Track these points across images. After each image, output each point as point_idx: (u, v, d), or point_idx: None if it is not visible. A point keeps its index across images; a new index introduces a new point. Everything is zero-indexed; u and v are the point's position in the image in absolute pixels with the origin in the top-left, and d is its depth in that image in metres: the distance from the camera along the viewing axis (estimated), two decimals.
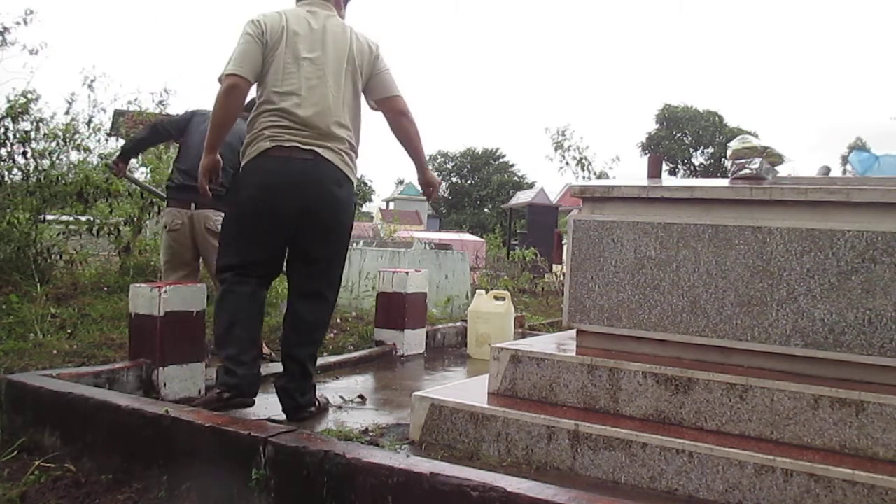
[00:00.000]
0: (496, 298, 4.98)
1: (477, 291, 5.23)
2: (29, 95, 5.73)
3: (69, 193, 5.74)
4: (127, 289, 3.61)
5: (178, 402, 2.84)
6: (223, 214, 3.68)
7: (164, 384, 3.14)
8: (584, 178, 10.37)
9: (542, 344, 3.00)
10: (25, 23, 5.75)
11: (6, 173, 5.75)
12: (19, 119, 5.68)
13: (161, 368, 3.14)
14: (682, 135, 40.56)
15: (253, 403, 2.86)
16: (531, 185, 38.36)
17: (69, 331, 4.20)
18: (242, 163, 2.87)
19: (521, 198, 21.54)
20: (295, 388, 2.89)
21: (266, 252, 2.86)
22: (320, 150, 2.76)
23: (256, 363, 2.88)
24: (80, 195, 5.73)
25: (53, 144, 5.95)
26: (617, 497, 2.06)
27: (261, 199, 2.77)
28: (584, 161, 10.47)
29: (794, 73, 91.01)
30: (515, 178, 49.18)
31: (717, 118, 40.19)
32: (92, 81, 6.17)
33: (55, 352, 3.67)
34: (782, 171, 3.08)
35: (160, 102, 6.68)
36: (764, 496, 2.09)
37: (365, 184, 39.23)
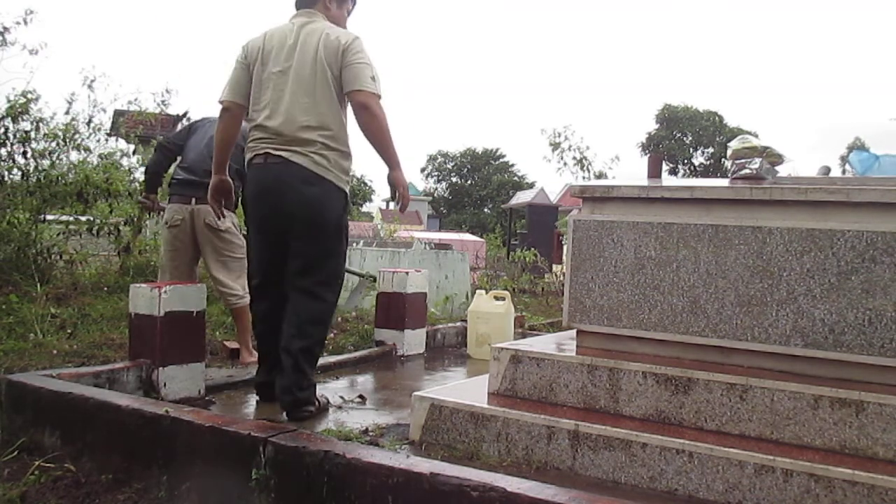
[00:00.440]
0: (496, 298, 4.98)
1: (477, 291, 5.23)
2: (29, 95, 5.72)
3: (69, 193, 5.74)
4: (127, 289, 3.61)
5: (178, 402, 2.85)
6: (228, 214, 3.76)
7: (164, 384, 3.15)
8: (583, 178, 10.35)
9: (542, 344, 3.00)
10: (25, 23, 5.76)
11: (6, 173, 5.75)
12: (19, 119, 5.68)
13: (161, 368, 3.15)
14: (682, 135, 40.48)
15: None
16: (531, 185, 38.32)
17: (69, 331, 4.20)
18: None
19: (521, 198, 21.57)
20: (291, 383, 2.90)
21: (269, 255, 3.04)
22: (287, 153, 2.91)
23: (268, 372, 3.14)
24: (80, 195, 5.74)
25: (53, 144, 5.95)
26: (617, 497, 2.06)
27: (252, 207, 3.09)
28: (584, 161, 10.43)
29: (794, 74, 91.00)
30: (515, 178, 49.12)
31: (717, 118, 40.10)
32: (92, 81, 6.17)
33: (55, 352, 3.68)
34: (782, 171, 3.09)
35: (161, 102, 6.68)
36: (764, 496, 2.09)
37: (365, 184, 39.08)
